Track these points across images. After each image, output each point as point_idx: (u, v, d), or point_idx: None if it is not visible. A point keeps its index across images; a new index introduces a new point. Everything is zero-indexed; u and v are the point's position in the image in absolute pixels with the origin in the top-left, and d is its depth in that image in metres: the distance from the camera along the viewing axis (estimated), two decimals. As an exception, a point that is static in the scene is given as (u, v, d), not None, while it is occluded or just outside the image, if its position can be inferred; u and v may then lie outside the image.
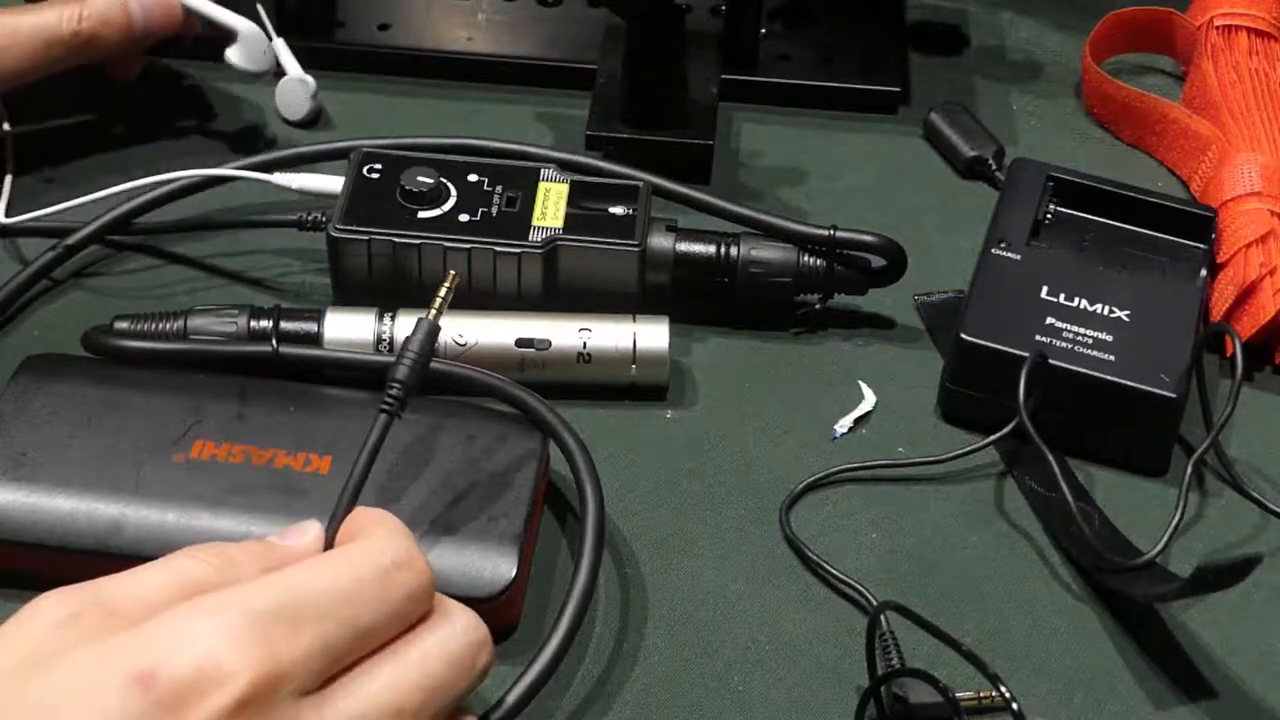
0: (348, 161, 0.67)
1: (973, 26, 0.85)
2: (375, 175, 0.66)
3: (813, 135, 0.77)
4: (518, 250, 0.63)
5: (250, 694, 0.40)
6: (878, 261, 0.66)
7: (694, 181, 0.70)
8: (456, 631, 0.46)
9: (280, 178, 0.67)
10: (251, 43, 0.72)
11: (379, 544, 0.46)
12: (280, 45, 0.76)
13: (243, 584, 0.43)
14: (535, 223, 0.64)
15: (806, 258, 0.65)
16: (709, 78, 0.76)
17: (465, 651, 0.46)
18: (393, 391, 0.51)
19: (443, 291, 0.53)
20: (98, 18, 0.69)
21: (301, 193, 0.68)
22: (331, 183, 0.67)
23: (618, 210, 0.65)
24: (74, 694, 0.40)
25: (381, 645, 0.45)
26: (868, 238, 0.66)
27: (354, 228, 0.64)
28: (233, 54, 0.72)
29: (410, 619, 0.46)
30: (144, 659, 0.40)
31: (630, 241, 0.64)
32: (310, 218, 0.66)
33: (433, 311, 0.53)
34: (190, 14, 0.72)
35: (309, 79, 0.75)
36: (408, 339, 0.52)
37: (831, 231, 0.65)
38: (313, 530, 0.48)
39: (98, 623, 0.42)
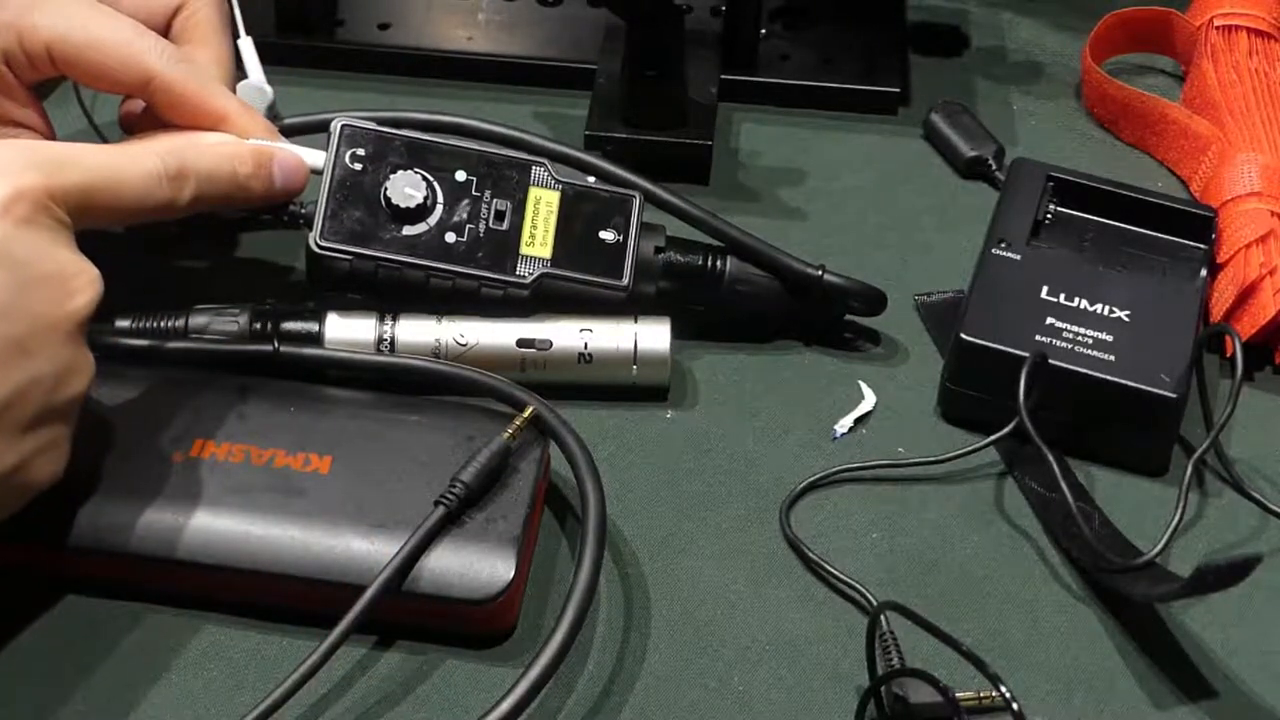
0: (328, 134, 0.63)
1: (973, 26, 0.85)
2: (358, 166, 0.63)
3: (812, 136, 0.77)
4: (502, 288, 0.62)
5: None
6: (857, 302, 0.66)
7: (693, 182, 0.70)
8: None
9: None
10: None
11: None
12: (246, 44, 0.69)
13: None
14: (524, 250, 0.63)
15: (789, 291, 0.65)
16: (709, 78, 0.76)
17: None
18: (454, 490, 0.55)
19: (518, 422, 0.58)
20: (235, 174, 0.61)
21: None
22: (312, 156, 0.63)
23: (608, 236, 0.64)
24: None
25: None
26: (853, 287, 0.65)
27: (336, 246, 0.61)
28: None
29: None
30: None
31: (617, 283, 0.63)
32: (289, 211, 0.63)
33: (506, 434, 0.57)
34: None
35: (268, 88, 0.68)
36: (481, 450, 0.56)
37: (820, 273, 0.65)
38: None
39: None
